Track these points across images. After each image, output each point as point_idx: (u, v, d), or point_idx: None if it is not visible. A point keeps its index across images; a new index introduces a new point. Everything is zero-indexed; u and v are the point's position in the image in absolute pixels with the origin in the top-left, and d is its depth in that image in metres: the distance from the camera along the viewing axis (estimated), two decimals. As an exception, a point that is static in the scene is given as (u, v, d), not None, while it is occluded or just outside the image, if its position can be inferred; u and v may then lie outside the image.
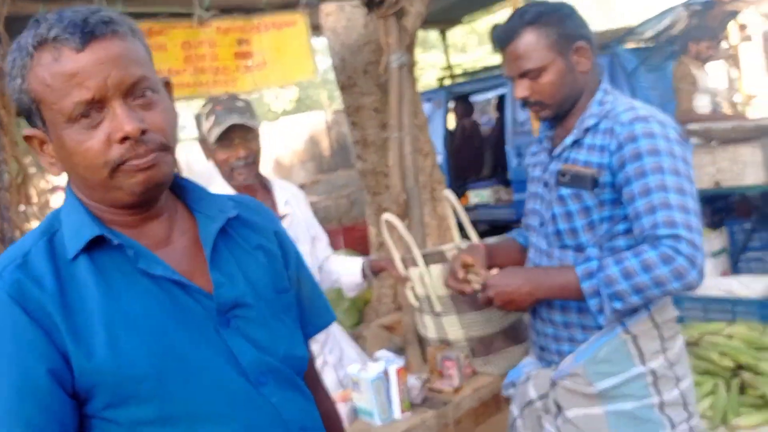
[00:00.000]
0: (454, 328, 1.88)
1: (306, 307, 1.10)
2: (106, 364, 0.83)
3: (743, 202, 4.54)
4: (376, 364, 1.73)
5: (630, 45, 5.45)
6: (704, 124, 4.17)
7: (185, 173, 1.17)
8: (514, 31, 1.49)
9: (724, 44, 5.24)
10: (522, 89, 1.52)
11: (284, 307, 1.02)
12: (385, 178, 3.95)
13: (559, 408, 1.55)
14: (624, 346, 1.48)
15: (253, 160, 1.93)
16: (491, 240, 1.94)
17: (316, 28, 4.07)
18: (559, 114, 1.55)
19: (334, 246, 4.36)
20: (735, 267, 4.36)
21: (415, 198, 2.99)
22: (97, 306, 0.85)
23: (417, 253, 1.92)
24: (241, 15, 2.93)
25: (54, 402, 0.82)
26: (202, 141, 1.96)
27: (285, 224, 1.97)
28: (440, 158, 6.39)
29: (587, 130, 1.50)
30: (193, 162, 9.03)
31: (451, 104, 7.41)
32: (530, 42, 1.48)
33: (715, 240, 4.29)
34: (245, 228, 1.03)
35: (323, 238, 2.18)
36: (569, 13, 1.51)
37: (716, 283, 3.72)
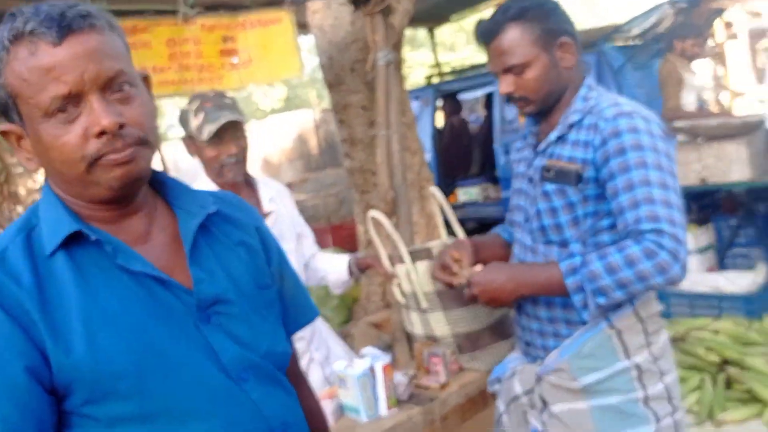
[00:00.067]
0: (441, 324, 1.88)
1: (289, 304, 1.09)
2: (84, 360, 0.82)
3: (729, 198, 4.58)
4: (362, 361, 1.73)
5: (616, 43, 5.48)
6: (690, 121, 4.19)
7: (172, 171, 1.16)
8: (498, 26, 1.49)
9: (710, 42, 5.27)
10: (506, 85, 1.52)
11: (266, 304, 1.01)
12: (373, 176, 3.95)
13: (545, 403, 1.55)
14: (608, 341, 1.48)
15: (242, 157, 1.93)
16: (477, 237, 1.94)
17: (303, 26, 4.06)
18: (543, 109, 1.55)
19: (323, 245, 4.35)
20: (721, 263, 4.39)
21: (403, 196, 2.99)
22: (75, 302, 0.84)
23: (403, 250, 1.91)
24: (226, 12, 2.91)
25: (32, 399, 0.81)
26: (189, 138, 1.95)
27: (270, 222, 1.96)
28: (429, 156, 6.39)
29: (571, 125, 1.51)
30: (180, 160, 8.99)
31: (440, 102, 7.42)
32: (514, 38, 1.48)
33: (702, 236, 4.32)
34: (226, 224, 1.02)
35: (309, 236, 2.18)
36: (553, 9, 1.51)
37: (702, 279, 3.75)
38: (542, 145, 1.56)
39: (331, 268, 2.14)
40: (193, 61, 2.82)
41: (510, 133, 5.97)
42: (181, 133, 1.99)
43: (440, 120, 7.64)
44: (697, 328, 3.31)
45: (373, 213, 2.04)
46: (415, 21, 6.99)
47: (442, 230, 2.15)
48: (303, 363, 1.97)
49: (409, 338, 2.11)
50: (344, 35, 3.90)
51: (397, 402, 1.74)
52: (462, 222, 2.13)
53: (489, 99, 7.12)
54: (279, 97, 19.79)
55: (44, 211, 0.91)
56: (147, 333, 0.86)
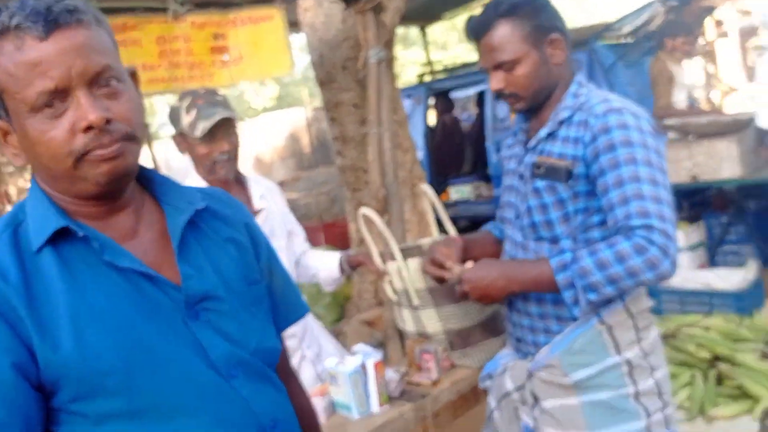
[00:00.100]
0: (432, 321, 1.88)
1: (278, 300, 1.09)
2: (71, 357, 0.81)
3: (720, 196, 4.61)
4: (353, 358, 1.73)
5: (608, 41, 5.50)
6: (681, 118, 4.21)
7: (163, 170, 1.15)
8: (488, 22, 1.49)
9: (700, 40, 5.30)
10: (497, 81, 1.52)
11: (255, 300, 1.01)
12: (364, 174, 3.95)
13: (536, 399, 1.56)
14: (599, 336, 1.48)
15: (234, 154, 1.93)
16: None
17: (294, 24, 4.06)
18: (533, 106, 1.55)
19: (315, 243, 4.35)
20: (712, 260, 4.42)
21: (395, 194, 2.98)
22: (63, 299, 0.84)
23: (394, 247, 1.91)
24: (216, 9, 2.91)
25: (18, 396, 0.80)
26: (180, 135, 1.94)
27: (260, 219, 1.96)
28: (421, 155, 6.40)
29: (561, 122, 1.51)
30: (171, 159, 8.96)
31: (432, 101, 7.42)
32: (504, 34, 1.48)
33: (693, 234, 4.34)
34: (215, 220, 1.02)
35: (300, 233, 2.17)
36: (543, 5, 1.51)
37: (693, 276, 3.77)
38: (532, 142, 1.56)
39: (322, 265, 2.14)
40: (183, 58, 2.81)
41: (502, 131, 5.98)
42: (173, 131, 1.98)
43: (432, 118, 7.65)
44: (688, 325, 3.32)
45: (364, 210, 2.03)
46: (407, 19, 7.01)
47: (434, 228, 2.15)
48: (295, 360, 1.97)
49: (402, 336, 2.11)
50: (335, 33, 3.89)
51: (388, 399, 1.74)
52: (454, 220, 2.13)
53: (481, 97, 7.13)
54: (271, 96, 19.76)
55: (31, 207, 0.90)
56: (135, 329, 0.85)
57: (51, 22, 0.81)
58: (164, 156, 8.90)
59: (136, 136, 0.88)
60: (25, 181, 4.57)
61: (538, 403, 1.55)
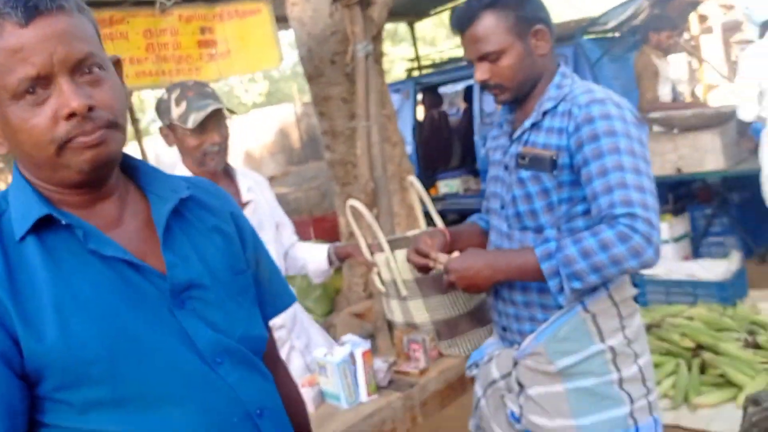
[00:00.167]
0: (420, 311, 1.90)
1: (265, 289, 1.09)
2: (56, 346, 0.81)
3: (705, 189, 4.66)
4: (342, 348, 1.74)
5: (593, 35, 5.53)
6: (666, 112, 4.26)
7: (153, 164, 1.15)
8: (473, 14, 1.50)
9: (685, 35, 5.35)
10: (482, 72, 1.53)
11: (241, 289, 1.01)
12: (354, 169, 3.96)
13: (521, 386, 1.57)
14: (583, 324, 1.50)
15: (225, 146, 1.94)
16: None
17: (283, 20, 4.05)
18: (518, 97, 1.56)
19: (305, 237, 4.34)
20: (696, 252, 4.48)
21: (383, 187, 3.00)
22: (47, 287, 0.83)
23: (382, 238, 1.92)
24: (203, 3, 2.90)
25: (2, 384, 0.80)
26: (168, 127, 1.93)
27: (248, 211, 1.97)
28: (409, 149, 6.41)
29: (546, 113, 1.52)
30: (162, 154, 8.92)
31: (420, 95, 7.43)
32: (489, 25, 1.49)
33: (678, 226, 4.40)
34: (201, 209, 1.02)
35: (288, 225, 2.18)
36: (527, -4, 1.53)
37: (678, 268, 3.82)
38: (517, 133, 1.57)
39: (310, 257, 2.15)
40: (170, 52, 2.80)
41: (490, 126, 6.01)
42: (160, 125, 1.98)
43: (421, 113, 7.66)
44: (673, 315, 3.37)
45: (352, 202, 2.04)
46: (396, 15, 7.01)
47: (422, 220, 2.17)
48: (284, 351, 1.98)
49: (391, 327, 2.13)
50: (323, 27, 3.89)
51: (377, 388, 1.76)
52: (443, 214, 2.15)
53: (469, 92, 7.15)
54: (260, 92, 19.70)
55: (14, 195, 0.89)
56: (120, 318, 0.85)
57: (32, 9, 0.81)
58: (154, 151, 8.86)
59: (119, 123, 0.88)
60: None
61: (524, 391, 1.56)
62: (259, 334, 1.02)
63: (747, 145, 4.30)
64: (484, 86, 1.57)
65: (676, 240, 4.36)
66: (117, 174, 0.95)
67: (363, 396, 1.72)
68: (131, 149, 1.01)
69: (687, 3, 5.40)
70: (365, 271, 3.19)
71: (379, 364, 1.79)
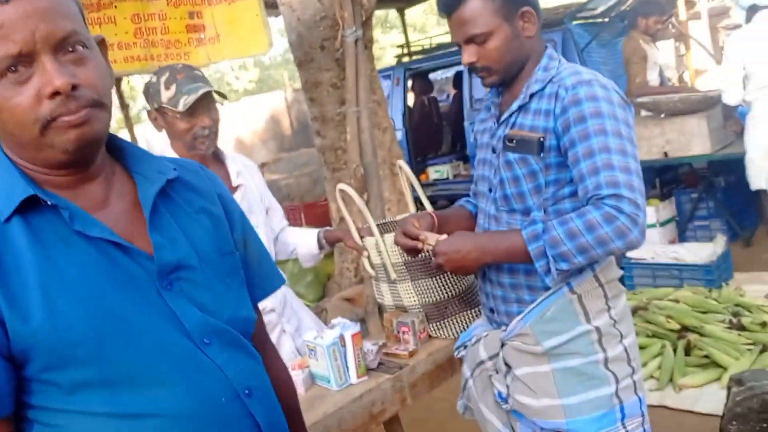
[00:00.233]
0: (409, 294, 1.92)
1: (254, 271, 1.09)
2: (42, 327, 0.81)
3: (691, 173, 4.70)
4: (331, 331, 1.75)
5: (582, 20, 5.53)
6: (654, 96, 4.28)
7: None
8: (460, -4, 1.50)
9: (672, 20, 5.36)
10: (469, 54, 1.53)
11: (229, 270, 1.01)
12: (344, 154, 3.96)
13: (509, 367, 1.58)
14: (570, 305, 1.52)
15: (215, 129, 1.93)
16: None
17: (272, 5, 4.02)
18: (505, 80, 1.57)
19: (296, 223, 4.33)
20: (682, 235, 4.52)
21: (373, 172, 3.01)
22: (33, 269, 0.83)
23: (371, 222, 1.94)
24: (191, -13, 2.87)
25: None
26: (157, 110, 1.92)
27: (238, 196, 1.97)
28: (400, 135, 6.41)
29: (533, 95, 1.53)
30: (152, 140, 8.87)
31: (410, 81, 7.42)
32: (476, 7, 1.49)
33: (664, 210, 4.44)
34: (188, 191, 1.01)
35: (278, 210, 2.18)
36: (514, -21, 1.53)
37: (665, 251, 3.86)
38: (504, 115, 1.58)
39: (301, 241, 2.15)
40: (159, 36, 2.78)
41: (479, 112, 6.02)
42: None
43: (411, 99, 7.66)
44: (659, 298, 3.41)
45: (342, 186, 2.05)
46: (386, 1, 6.98)
47: (412, 205, 2.18)
48: (274, 335, 1.99)
49: (381, 312, 2.15)
50: (313, 12, 3.87)
51: (366, 370, 1.77)
52: (433, 199, 2.15)
53: (459, 78, 7.15)
54: (251, 79, 19.59)
55: None
56: (106, 299, 0.85)
57: None
58: (145, 138, 8.80)
59: (104, 102, 0.87)
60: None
61: (511, 371, 1.58)
62: (247, 315, 1.02)
63: (733, 128, 4.33)
64: (472, 69, 1.57)
65: (663, 224, 4.40)
66: (103, 155, 0.94)
67: (353, 378, 1.74)
68: (122, 137, 1.01)
69: (675, -12, 5.40)
70: (356, 256, 3.20)
71: (369, 346, 1.81)
